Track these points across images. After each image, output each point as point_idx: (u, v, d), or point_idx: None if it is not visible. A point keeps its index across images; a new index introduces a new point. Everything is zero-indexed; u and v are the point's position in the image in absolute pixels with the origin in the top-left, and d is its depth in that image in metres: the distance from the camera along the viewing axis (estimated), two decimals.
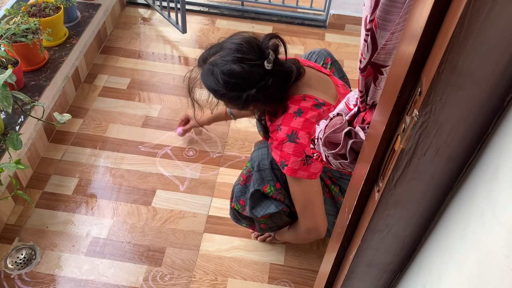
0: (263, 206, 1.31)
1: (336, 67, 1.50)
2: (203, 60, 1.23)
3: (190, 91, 1.31)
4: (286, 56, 1.24)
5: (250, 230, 1.63)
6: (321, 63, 1.50)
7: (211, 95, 1.25)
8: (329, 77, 1.34)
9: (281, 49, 1.24)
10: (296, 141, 1.17)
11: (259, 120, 1.38)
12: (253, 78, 1.17)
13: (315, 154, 1.24)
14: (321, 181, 1.28)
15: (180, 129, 1.87)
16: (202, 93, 1.29)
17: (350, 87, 1.50)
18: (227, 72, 1.16)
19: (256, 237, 1.62)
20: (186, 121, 1.86)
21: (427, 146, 0.51)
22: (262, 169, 1.26)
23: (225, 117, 1.73)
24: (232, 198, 1.39)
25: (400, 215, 0.61)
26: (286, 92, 1.24)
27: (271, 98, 1.22)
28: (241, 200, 1.35)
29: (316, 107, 1.21)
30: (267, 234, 1.59)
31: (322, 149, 0.99)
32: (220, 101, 1.26)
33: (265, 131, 1.35)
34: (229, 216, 1.54)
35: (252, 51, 1.16)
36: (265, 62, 1.16)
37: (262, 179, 1.27)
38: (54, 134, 1.90)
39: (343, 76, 1.50)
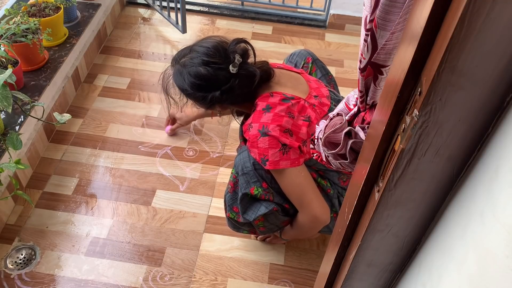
0: (254, 209, 1.31)
1: (317, 65, 1.53)
2: (175, 61, 1.32)
3: (165, 90, 1.39)
4: (254, 59, 1.31)
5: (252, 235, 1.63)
6: (302, 63, 1.53)
7: (182, 94, 1.33)
8: (300, 75, 1.38)
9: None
10: (268, 134, 1.20)
11: (241, 125, 1.41)
12: (218, 81, 1.24)
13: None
14: None
15: (168, 128, 1.91)
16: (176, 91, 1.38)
17: (335, 83, 1.55)
18: (193, 74, 1.24)
19: (256, 237, 1.62)
20: (173, 120, 1.91)
21: (427, 146, 0.51)
22: (246, 172, 1.27)
23: (211, 113, 1.75)
24: (225, 208, 1.40)
25: (400, 215, 0.61)
26: (254, 93, 1.29)
27: (237, 99, 1.29)
28: (234, 207, 1.36)
29: (284, 101, 1.24)
30: (267, 234, 1.59)
31: (322, 149, 0.99)
32: (188, 100, 1.34)
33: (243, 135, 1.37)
34: None
35: (218, 55, 1.24)
36: (230, 66, 1.23)
37: (248, 182, 1.27)
38: (54, 134, 1.90)
39: (327, 73, 1.52)
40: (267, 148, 1.20)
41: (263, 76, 1.28)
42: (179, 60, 1.29)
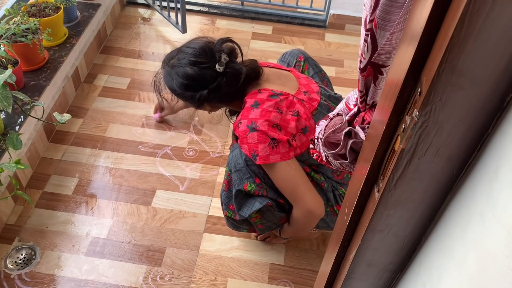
0: (248, 205, 1.32)
1: (310, 63, 1.54)
2: (164, 62, 1.36)
3: (157, 90, 1.45)
4: (242, 58, 1.34)
5: (252, 234, 1.63)
6: (294, 61, 1.55)
7: (172, 94, 1.38)
8: (290, 72, 1.40)
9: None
10: (257, 129, 1.22)
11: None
12: (205, 80, 1.28)
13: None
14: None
15: (156, 115, 1.96)
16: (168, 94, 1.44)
17: (329, 80, 1.55)
18: (181, 74, 1.29)
19: (256, 237, 1.62)
20: (161, 108, 1.94)
21: (427, 146, 0.51)
22: (238, 169, 1.28)
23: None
24: (222, 207, 1.41)
25: (400, 215, 0.61)
26: (243, 91, 1.32)
27: (224, 97, 1.32)
28: (230, 205, 1.36)
29: (272, 97, 1.26)
30: (266, 233, 1.59)
31: (322, 149, 0.99)
32: (179, 100, 1.39)
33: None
34: None
35: (204, 55, 1.28)
36: (217, 65, 1.26)
37: (241, 178, 1.29)
38: (54, 134, 1.90)
39: (320, 71, 1.53)
40: (256, 143, 1.22)
41: (251, 74, 1.30)
42: (168, 61, 1.33)
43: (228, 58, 1.27)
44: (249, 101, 1.27)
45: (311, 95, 1.32)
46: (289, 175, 1.25)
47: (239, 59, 1.33)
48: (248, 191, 1.29)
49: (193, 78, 1.27)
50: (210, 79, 1.27)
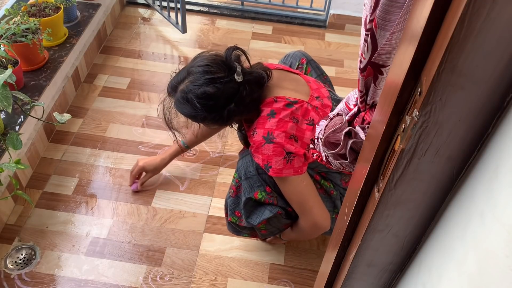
0: (258, 213, 1.31)
1: (312, 66, 1.51)
2: (172, 89, 1.24)
3: (168, 123, 1.30)
4: (249, 63, 1.27)
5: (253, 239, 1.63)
6: (297, 64, 1.52)
7: (189, 121, 1.27)
8: (299, 76, 1.37)
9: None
10: (273, 141, 1.18)
11: (240, 130, 1.40)
12: (228, 94, 1.19)
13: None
14: (311, 178, 1.29)
15: (135, 186, 1.72)
16: (180, 121, 1.30)
17: (330, 83, 1.53)
18: (202, 96, 1.17)
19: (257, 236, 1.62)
20: (140, 174, 1.73)
21: (427, 146, 0.51)
22: (249, 177, 1.27)
23: (181, 150, 1.69)
24: (226, 212, 1.40)
25: (400, 215, 0.61)
26: (260, 97, 1.26)
27: (249, 106, 1.24)
28: (236, 211, 1.35)
29: (288, 106, 1.23)
30: (268, 237, 1.59)
31: (322, 149, 0.99)
32: (201, 124, 1.28)
33: (246, 139, 1.34)
34: None
35: (221, 68, 1.19)
36: (235, 75, 1.18)
37: (251, 186, 1.27)
38: (54, 134, 1.90)
39: (322, 74, 1.51)
40: (271, 155, 1.19)
41: (264, 77, 1.27)
42: (177, 87, 1.22)
43: (240, 66, 1.21)
44: (265, 109, 1.23)
45: (323, 100, 1.30)
46: (299, 189, 1.24)
47: (245, 65, 1.28)
48: (259, 199, 1.28)
49: (216, 96, 1.18)
50: (233, 92, 1.19)
